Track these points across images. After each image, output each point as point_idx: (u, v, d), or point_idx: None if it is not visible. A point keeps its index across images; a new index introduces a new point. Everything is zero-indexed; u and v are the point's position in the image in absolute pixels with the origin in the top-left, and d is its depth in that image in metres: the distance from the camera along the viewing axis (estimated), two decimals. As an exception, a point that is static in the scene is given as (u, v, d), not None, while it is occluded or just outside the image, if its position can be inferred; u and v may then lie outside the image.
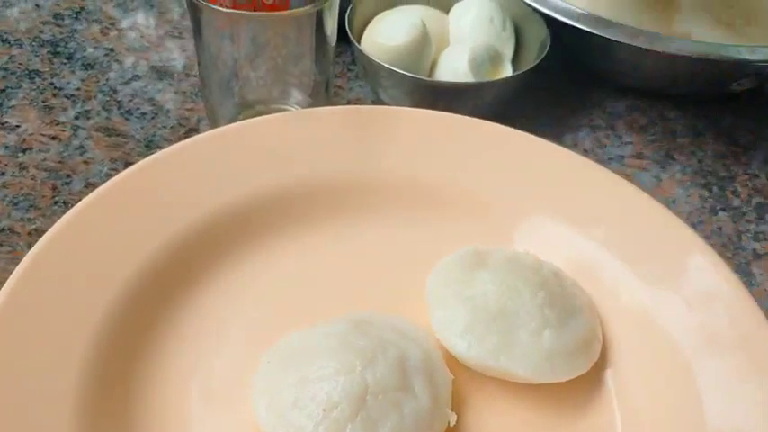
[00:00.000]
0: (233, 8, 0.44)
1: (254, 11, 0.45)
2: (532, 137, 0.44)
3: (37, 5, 0.62)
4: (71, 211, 0.37)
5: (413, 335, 0.35)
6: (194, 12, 0.43)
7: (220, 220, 0.39)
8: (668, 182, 0.51)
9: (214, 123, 0.49)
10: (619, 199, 0.41)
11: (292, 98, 0.50)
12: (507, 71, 0.51)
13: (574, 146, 0.52)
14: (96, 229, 0.37)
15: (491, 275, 0.37)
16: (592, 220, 0.40)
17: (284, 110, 0.49)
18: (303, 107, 0.50)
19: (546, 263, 0.39)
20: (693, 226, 0.45)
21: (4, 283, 0.33)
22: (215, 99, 0.49)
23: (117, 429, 0.32)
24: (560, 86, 0.57)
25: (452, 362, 0.35)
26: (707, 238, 0.46)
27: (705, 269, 0.37)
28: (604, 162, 0.51)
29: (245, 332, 0.37)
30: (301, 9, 0.43)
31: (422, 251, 0.40)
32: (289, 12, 0.44)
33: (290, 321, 0.36)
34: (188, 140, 0.42)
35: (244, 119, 0.48)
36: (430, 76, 0.51)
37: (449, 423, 0.33)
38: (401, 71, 0.48)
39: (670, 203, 0.49)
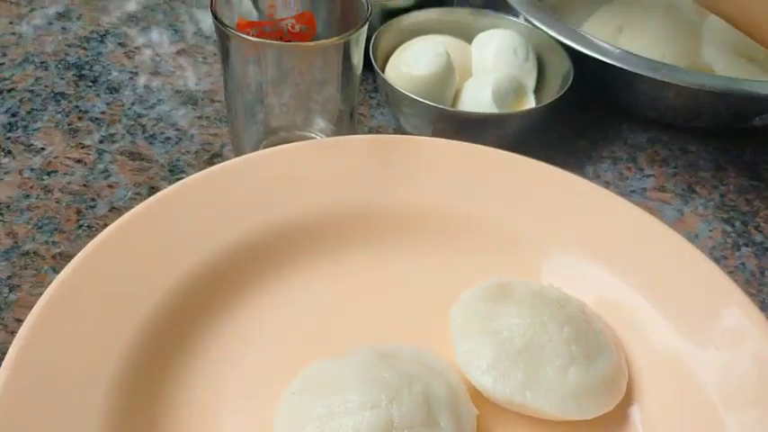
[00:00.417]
0: (259, 37, 0.44)
1: (281, 40, 0.46)
2: (556, 169, 0.44)
3: (63, 28, 0.62)
4: (98, 237, 0.37)
5: (438, 368, 0.35)
6: (222, 39, 0.44)
7: (245, 248, 0.39)
8: (690, 216, 0.51)
9: (238, 149, 0.49)
10: (645, 235, 0.41)
11: (316, 125, 0.50)
12: (530, 102, 0.51)
13: (596, 178, 0.52)
14: (123, 256, 0.37)
15: (516, 309, 0.37)
16: (618, 256, 0.40)
17: (308, 137, 0.50)
18: (327, 134, 0.50)
19: (571, 297, 0.38)
20: (716, 261, 0.45)
21: (28, 305, 0.33)
22: (239, 124, 0.49)
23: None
24: (582, 118, 0.57)
25: (477, 396, 0.35)
26: (730, 273, 0.45)
27: (732, 309, 0.37)
28: (626, 195, 0.50)
29: (269, 363, 0.37)
30: (329, 40, 0.43)
31: (445, 283, 0.40)
32: (315, 43, 0.45)
33: (313, 352, 0.36)
34: (214, 168, 0.42)
35: (267, 145, 0.49)
36: (453, 106, 0.52)
37: (474, 459, 0.32)
38: (424, 101, 0.48)
39: (692, 238, 0.48)
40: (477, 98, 0.50)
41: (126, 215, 0.38)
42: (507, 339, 0.35)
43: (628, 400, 0.36)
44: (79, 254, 0.36)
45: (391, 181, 0.43)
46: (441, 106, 0.48)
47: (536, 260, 0.42)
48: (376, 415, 0.31)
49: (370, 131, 0.54)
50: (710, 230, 0.50)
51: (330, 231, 0.42)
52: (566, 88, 0.50)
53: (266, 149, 0.44)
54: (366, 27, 0.44)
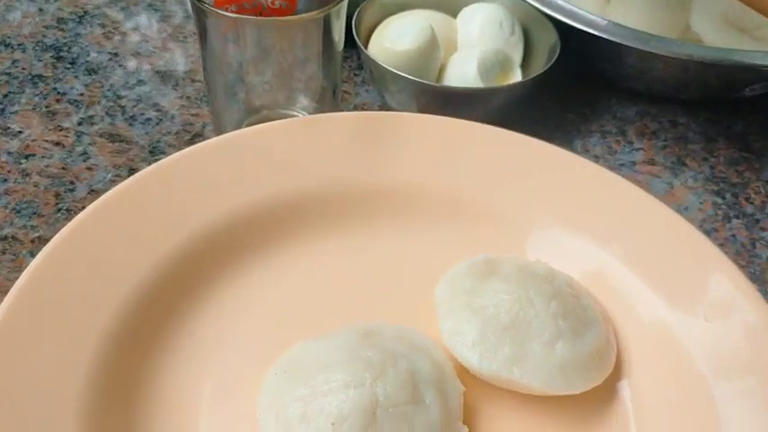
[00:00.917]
0: (239, 13, 0.43)
1: (260, 15, 0.45)
2: (544, 143, 0.43)
3: (40, 9, 0.61)
4: (75, 219, 0.36)
5: (423, 346, 0.34)
6: (199, 16, 0.43)
7: (226, 228, 0.39)
8: (680, 188, 0.50)
9: (219, 129, 0.48)
10: (633, 208, 0.40)
11: (299, 103, 0.49)
12: (516, 76, 0.51)
13: (584, 152, 0.51)
14: (100, 238, 0.36)
15: (502, 285, 0.36)
16: (606, 229, 0.40)
17: (290, 115, 0.49)
18: (309, 112, 0.49)
19: (558, 272, 0.38)
20: (707, 233, 0.44)
21: (6, 290, 0.33)
22: (220, 104, 0.48)
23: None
24: (570, 92, 0.57)
25: (463, 373, 0.34)
26: (720, 245, 0.44)
27: (721, 280, 0.36)
28: (615, 168, 0.50)
29: (252, 343, 0.36)
30: (308, 14, 0.42)
31: (431, 260, 0.40)
32: (295, 17, 0.44)
33: (297, 332, 0.35)
34: (193, 147, 0.41)
35: (249, 124, 0.48)
36: (438, 81, 0.51)
37: (460, 437, 0.32)
38: (409, 76, 0.47)
39: (682, 211, 0.48)
40: (462, 73, 0.49)
41: (104, 196, 0.37)
42: (493, 315, 0.35)
43: (616, 374, 0.35)
44: (56, 236, 0.35)
45: (375, 158, 0.42)
46: (425, 81, 0.47)
47: (523, 236, 0.41)
48: (360, 394, 0.31)
49: (355, 109, 0.54)
50: (701, 203, 0.49)
51: (313, 210, 0.41)
52: (552, 61, 0.49)
53: (247, 128, 0.43)
54: (346, 1, 0.43)
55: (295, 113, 0.49)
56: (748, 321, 0.34)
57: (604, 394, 0.35)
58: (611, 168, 0.44)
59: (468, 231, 0.41)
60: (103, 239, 0.36)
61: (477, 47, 0.51)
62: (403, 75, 0.47)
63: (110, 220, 0.37)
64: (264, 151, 0.41)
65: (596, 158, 0.51)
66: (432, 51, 0.49)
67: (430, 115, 0.44)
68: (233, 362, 0.35)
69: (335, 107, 0.49)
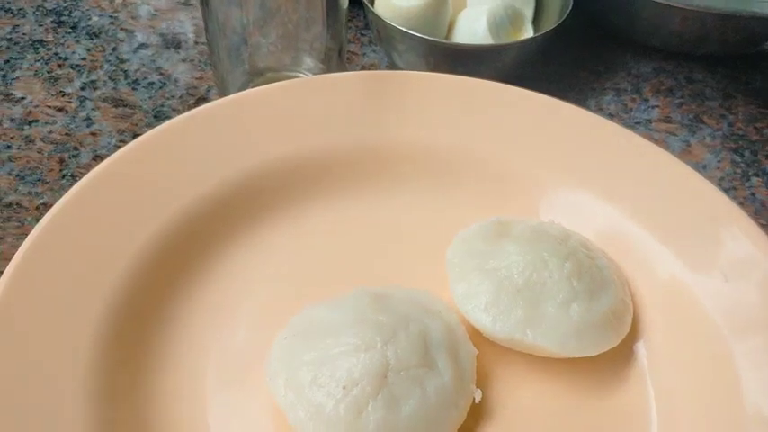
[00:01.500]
0: (241, -30, 0.42)
1: (263, -27, 0.43)
2: (557, 101, 0.42)
3: (40, -27, 0.60)
4: (78, 184, 0.36)
5: (435, 309, 0.34)
6: (201, -25, 0.42)
7: (231, 192, 0.38)
8: (697, 147, 0.49)
9: (224, 92, 0.47)
10: (649, 166, 0.39)
11: (304, 65, 0.48)
12: (528, 32, 0.49)
13: (598, 110, 0.50)
14: (104, 202, 0.35)
15: (515, 246, 0.35)
16: (621, 189, 0.39)
17: (295, 77, 0.48)
18: (315, 74, 0.48)
19: (573, 233, 0.37)
20: (725, 192, 0.43)
21: (12, 258, 0.32)
22: (224, 67, 0.47)
23: (129, 406, 0.31)
24: (583, 48, 0.55)
25: (476, 336, 0.34)
26: (740, 204, 0.43)
27: (741, 238, 0.35)
28: (630, 127, 0.48)
29: (260, 308, 0.35)
30: (312, -31, 0.41)
31: (442, 222, 0.39)
32: (299, -27, 0.42)
33: (306, 296, 0.35)
34: (197, 110, 0.40)
35: (254, 87, 0.47)
36: (447, 38, 0.49)
37: (474, 400, 0.31)
38: (417, 34, 0.46)
39: (700, 169, 0.47)
40: (471, 29, 0.47)
41: (107, 160, 0.37)
42: (506, 277, 0.34)
43: (632, 335, 0.35)
44: (59, 202, 0.35)
45: (383, 119, 0.41)
46: (434, 39, 0.46)
47: (536, 196, 0.40)
48: (370, 357, 0.30)
49: (362, 70, 0.52)
50: (719, 161, 0.48)
51: (320, 172, 0.40)
52: (565, 16, 0.48)
53: (251, 90, 0.42)
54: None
55: (301, 75, 0.48)
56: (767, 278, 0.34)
57: (620, 356, 0.34)
58: (627, 127, 0.43)
59: (479, 193, 0.40)
60: (106, 205, 0.35)
61: (487, 2, 0.49)
62: (411, 33, 0.46)
63: (113, 184, 0.36)
64: (269, 113, 0.40)
65: (611, 117, 0.50)
66: (440, 8, 0.48)
67: (439, 74, 0.43)
68: (241, 327, 0.35)
69: (342, 68, 0.48)
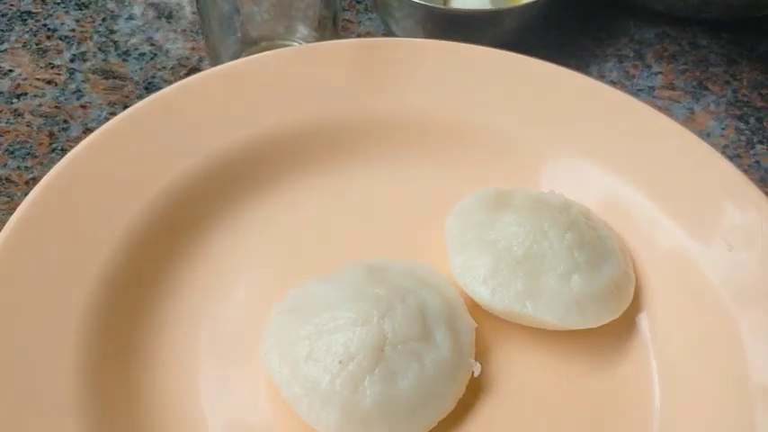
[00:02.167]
0: (231, -65, 0.41)
1: (255, -63, 0.42)
2: (558, 67, 0.41)
3: (26, -58, 0.58)
4: (67, 156, 0.35)
5: (432, 282, 0.33)
6: (190, -60, 0.40)
7: (224, 164, 0.37)
8: (701, 114, 0.48)
9: (216, 62, 0.46)
10: (652, 133, 0.38)
11: (298, 33, 0.47)
12: (528, -3, 0.48)
13: (600, 77, 0.49)
14: (95, 175, 0.35)
15: (515, 217, 0.34)
16: (623, 157, 0.38)
17: (289, 46, 0.46)
18: (309, 43, 0.46)
19: (574, 203, 0.36)
20: (730, 160, 0.42)
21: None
22: (216, 37, 0.46)
23: (123, 380, 0.30)
24: (584, 13, 0.54)
25: (475, 309, 0.33)
26: (744, 172, 0.42)
27: (745, 206, 0.35)
28: (633, 94, 0.47)
29: (255, 282, 0.35)
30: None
31: (439, 193, 0.38)
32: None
33: (301, 269, 0.34)
34: (189, 79, 0.39)
35: (247, 56, 0.45)
36: (445, 4, 0.48)
37: (472, 373, 0.31)
38: (414, 0, 0.44)
39: (704, 137, 0.45)
40: (470, -5, 0.46)
41: (97, 132, 0.36)
42: (506, 248, 0.33)
43: (635, 307, 0.34)
44: (47, 174, 0.34)
45: (380, 88, 0.40)
46: (431, 4, 0.45)
47: (536, 166, 0.39)
48: (367, 331, 0.30)
49: (358, 38, 0.51)
50: (723, 128, 0.47)
51: (315, 143, 0.39)
52: (566, -20, 0.46)
53: (243, 59, 0.41)
54: None
55: (294, 44, 0.47)
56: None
57: (622, 328, 0.33)
58: (629, 94, 0.42)
59: (478, 162, 0.39)
60: (96, 177, 0.35)
61: (486, -33, 0.48)
62: (407, -1, 0.45)
63: (102, 156, 0.35)
64: (261, 82, 0.39)
65: (613, 84, 0.49)
66: (437, -27, 0.47)
67: (436, 41, 0.42)
68: (236, 301, 0.34)
69: (336, 36, 0.46)
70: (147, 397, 0.30)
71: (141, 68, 0.48)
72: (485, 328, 0.33)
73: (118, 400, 0.30)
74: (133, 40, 0.50)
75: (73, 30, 0.51)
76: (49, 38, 0.50)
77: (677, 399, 0.31)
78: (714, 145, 0.44)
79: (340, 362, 0.29)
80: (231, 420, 0.30)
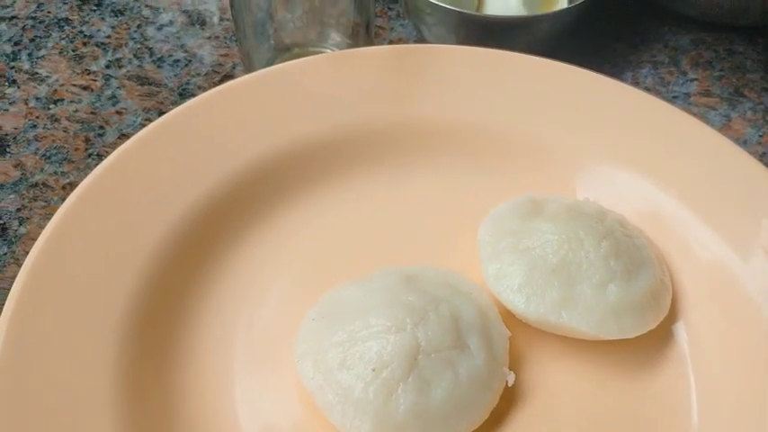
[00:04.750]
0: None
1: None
2: (593, 74, 0.40)
3: (64, -49, 0.59)
4: (104, 163, 0.35)
5: (466, 290, 0.33)
6: (225, -52, 0.41)
7: (260, 169, 0.37)
8: (738, 121, 0.47)
9: (249, 69, 0.47)
10: (689, 141, 0.37)
11: (330, 40, 0.47)
12: (562, 3, 0.47)
13: (635, 84, 0.48)
14: (131, 181, 0.35)
15: (550, 225, 0.34)
16: (660, 165, 0.37)
17: (322, 53, 0.47)
18: (342, 50, 0.47)
19: (610, 211, 0.36)
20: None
21: (38, 238, 0.32)
22: (249, 43, 0.46)
23: (158, 384, 0.31)
24: (619, 19, 0.53)
25: (509, 318, 0.33)
26: (783, 181, 0.42)
27: (787, 215, 0.34)
28: (668, 101, 0.46)
29: (289, 288, 0.35)
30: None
31: (473, 201, 0.38)
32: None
33: (335, 276, 0.34)
34: (223, 86, 0.39)
35: (280, 63, 0.46)
36: (478, 10, 0.48)
37: (507, 383, 0.31)
38: (446, 6, 0.44)
39: (741, 144, 0.45)
40: (503, 0, 0.46)
41: (133, 138, 0.36)
42: (540, 257, 0.33)
43: (672, 317, 0.33)
44: (85, 180, 0.34)
45: (413, 94, 0.40)
46: (464, 11, 0.45)
47: (571, 173, 0.39)
48: (401, 339, 0.29)
49: (390, 45, 0.51)
50: (760, 135, 0.46)
51: (349, 149, 0.39)
52: (600, -14, 0.46)
53: (277, 66, 0.41)
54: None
55: (327, 51, 0.47)
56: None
57: (659, 338, 0.33)
58: (665, 101, 0.42)
59: (512, 170, 0.39)
60: (133, 183, 0.35)
61: (519, -27, 0.48)
62: (440, 4, 0.44)
63: (139, 163, 0.36)
64: (295, 89, 0.40)
65: (648, 91, 0.48)
66: (470, -21, 0.47)
67: (469, 47, 0.42)
68: (270, 307, 0.34)
69: (369, 43, 0.46)
70: (182, 402, 0.30)
71: (176, 75, 0.48)
72: (519, 336, 0.33)
73: (154, 404, 0.30)
74: (167, 47, 0.50)
75: (108, 36, 0.52)
76: (85, 44, 0.51)
77: (716, 413, 0.30)
78: (751, 153, 0.43)
79: (373, 370, 0.29)
80: (264, 426, 0.30)
